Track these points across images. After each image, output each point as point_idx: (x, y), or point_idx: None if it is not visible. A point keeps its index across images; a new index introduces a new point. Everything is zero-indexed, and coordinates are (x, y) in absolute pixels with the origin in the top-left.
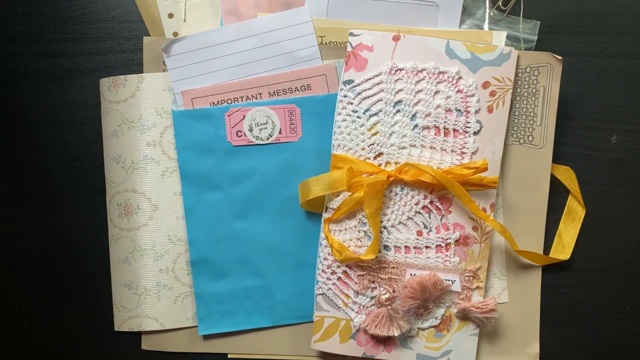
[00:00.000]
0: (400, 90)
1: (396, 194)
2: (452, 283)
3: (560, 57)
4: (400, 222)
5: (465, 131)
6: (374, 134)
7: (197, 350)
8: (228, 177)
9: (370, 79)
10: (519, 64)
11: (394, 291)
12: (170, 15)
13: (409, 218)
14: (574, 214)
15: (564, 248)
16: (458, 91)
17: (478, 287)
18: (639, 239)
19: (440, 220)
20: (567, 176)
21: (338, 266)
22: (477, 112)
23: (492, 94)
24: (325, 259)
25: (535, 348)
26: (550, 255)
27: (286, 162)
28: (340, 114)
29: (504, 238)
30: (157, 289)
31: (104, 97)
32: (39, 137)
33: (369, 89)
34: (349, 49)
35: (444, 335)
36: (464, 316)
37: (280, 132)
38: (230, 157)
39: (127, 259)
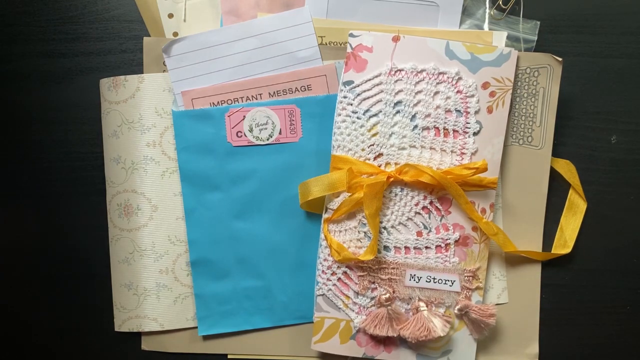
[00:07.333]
0: (400, 91)
1: (396, 194)
2: (452, 283)
3: (560, 59)
4: (400, 223)
5: (465, 132)
6: (374, 135)
7: (197, 350)
8: (228, 178)
9: (370, 79)
10: (518, 65)
11: (393, 291)
12: (170, 15)
13: (408, 219)
14: (575, 207)
15: (565, 242)
16: (458, 92)
17: (478, 287)
18: (639, 239)
19: (440, 220)
20: (567, 170)
21: (338, 267)
22: (476, 112)
23: (492, 94)
24: (325, 259)
25: (534, 348)
26: (553, 250)
27: (286, 163)
28: (340, 114)
29: (496, 242)
30: (157, 289)
31: (104, 98)
32: (39, 137)
33: (368, 90)
34: (349, 49)
35: None
36: (462, 316)
37: (280, 133)
38: (230, 158)
39: (127, 259)
